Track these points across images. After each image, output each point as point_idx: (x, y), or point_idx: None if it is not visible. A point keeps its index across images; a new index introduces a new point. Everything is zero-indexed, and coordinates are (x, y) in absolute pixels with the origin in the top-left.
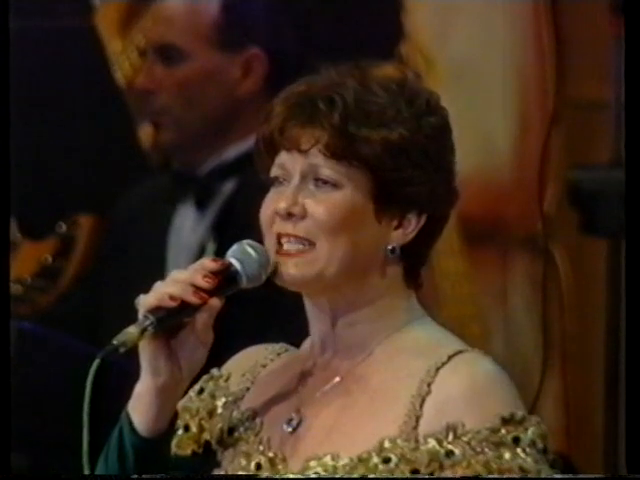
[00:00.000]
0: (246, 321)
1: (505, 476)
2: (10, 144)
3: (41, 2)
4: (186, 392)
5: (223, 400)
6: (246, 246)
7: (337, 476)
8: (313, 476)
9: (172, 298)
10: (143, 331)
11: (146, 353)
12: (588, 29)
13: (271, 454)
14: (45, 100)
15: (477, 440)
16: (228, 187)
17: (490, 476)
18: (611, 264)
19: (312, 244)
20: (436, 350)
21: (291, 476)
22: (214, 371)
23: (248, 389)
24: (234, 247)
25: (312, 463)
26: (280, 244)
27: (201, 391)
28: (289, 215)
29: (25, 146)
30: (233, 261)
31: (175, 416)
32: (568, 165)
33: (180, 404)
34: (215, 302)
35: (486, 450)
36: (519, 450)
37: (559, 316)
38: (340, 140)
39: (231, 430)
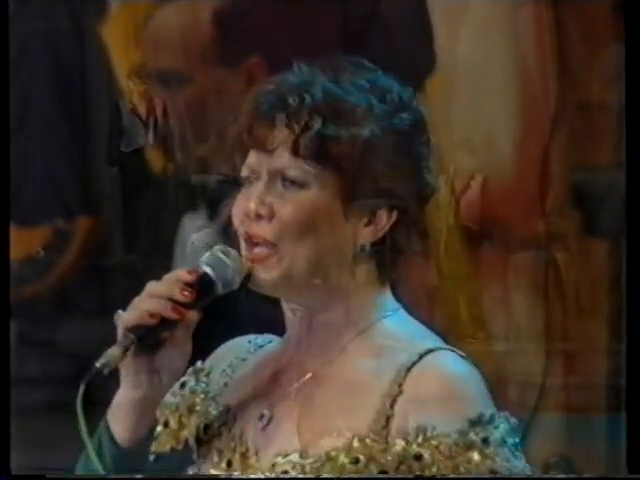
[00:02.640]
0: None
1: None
2: (10, 144)
3: (41, 4)
4: None
5: (202, 397)
6: (218, 253)
7: (305, 475)
8: (284, 475)
9: (151, 315)
10: (125, 350)
11: (127, 368)
12: (590, 31)
13: (243, 449)
14: (46, 102)
15: (446, 444)
16: (234, 192)
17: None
18: (613, 265)
19: (276, 245)
20: (408, 347)
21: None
22: (198, 364)
23: (226, 384)
24: (206, 255)
25: (279, 460)
26: (250, 247)
27: (183, 385)
28: (257, 216)
29: (28, 145)
30: (207, 269)
31: (154, 424)
32: (570, 166)
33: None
34: (193, 315)
35: (455, 454)
36: (489, 451)
37: (561, 317)
38: (307, 139)
39: (207, 427)
